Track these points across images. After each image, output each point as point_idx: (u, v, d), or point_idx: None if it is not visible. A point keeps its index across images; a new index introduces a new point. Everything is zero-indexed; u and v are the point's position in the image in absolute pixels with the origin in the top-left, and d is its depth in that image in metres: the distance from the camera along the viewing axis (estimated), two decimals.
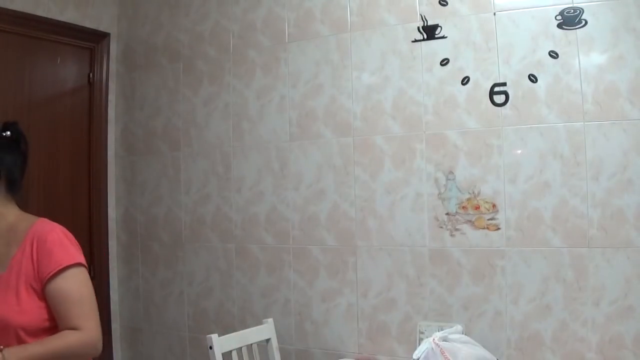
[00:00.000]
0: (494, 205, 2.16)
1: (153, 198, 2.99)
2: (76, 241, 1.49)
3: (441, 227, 2.25)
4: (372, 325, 2.38)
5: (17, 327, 1.37)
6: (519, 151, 2.13)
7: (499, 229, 2.15)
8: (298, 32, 2.58)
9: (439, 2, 2.27)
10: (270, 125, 2.64)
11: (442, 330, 2.06)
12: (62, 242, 1.44)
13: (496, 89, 2.17)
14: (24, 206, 1.55)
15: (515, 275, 2.12)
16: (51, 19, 2.77)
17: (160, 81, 2.97)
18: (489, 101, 2.19)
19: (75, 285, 1.41)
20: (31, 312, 1.39)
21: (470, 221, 2.20)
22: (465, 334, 2.07)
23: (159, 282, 2.95)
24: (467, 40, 2.23)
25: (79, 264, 1.44)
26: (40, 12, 2.72)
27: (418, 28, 2.32)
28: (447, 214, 2.24)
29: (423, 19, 2.31)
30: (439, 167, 2.26)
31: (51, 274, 1.39)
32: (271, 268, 2.62)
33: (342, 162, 2.46)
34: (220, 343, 2.07)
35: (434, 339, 1.93)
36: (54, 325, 1.41)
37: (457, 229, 2.22)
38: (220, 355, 2.05)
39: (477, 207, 2.19)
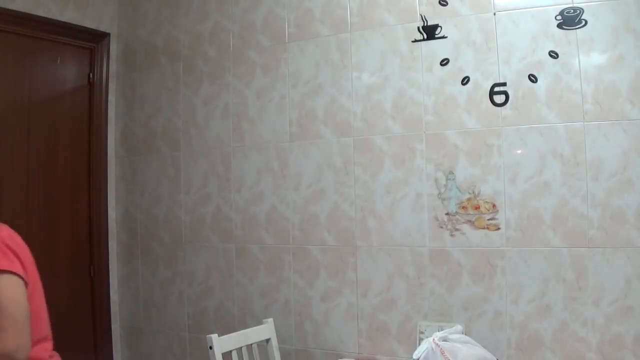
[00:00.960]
0: (494, 205, 2.16)
1: (153, 198, 2.99)
2: (15, 248, 1.46)
3: (441, 227, 2.25)
4: (372, 325, 2.38)
5: None
6: (519, 151, 2.13)
7: (499, 229, 2.15)
8: (298, 32, 2.58)
9: (439, 2, 2.27)
10: (270, 125, 2.64)
11: (442, 330, 2.06)
12: None
13: (496, 89, 2.17)
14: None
15: (515, 275, 2.12)
16: (51, 19, 2.77)
17: (160, 81, 2.97)
18: (489, 101, 2.19)
19: None
20: None
21: (470, 221, 2.20)
22: (465, 334, 2.07)
23: (159, 282, 2.95)
24: (467, 40, 2.23)
25: (3, 271, 1.40)
26: (41, 12, 2.72)
27: (418, 28, 2.32)
28: (447, 214, 2.24)
29: (423, 19, 2.31)
30: (439, 167, 2.26)
31: None
32: (271, 268, 2.62)
33: (342, 162, 2.46)
34: (220, 343, 2.07)
35: (434, 339, 1.94)
36: None
37: (457, 229, 2.22)
38: (220, 355, 2.05)
39: (477, 207, 2.19)
